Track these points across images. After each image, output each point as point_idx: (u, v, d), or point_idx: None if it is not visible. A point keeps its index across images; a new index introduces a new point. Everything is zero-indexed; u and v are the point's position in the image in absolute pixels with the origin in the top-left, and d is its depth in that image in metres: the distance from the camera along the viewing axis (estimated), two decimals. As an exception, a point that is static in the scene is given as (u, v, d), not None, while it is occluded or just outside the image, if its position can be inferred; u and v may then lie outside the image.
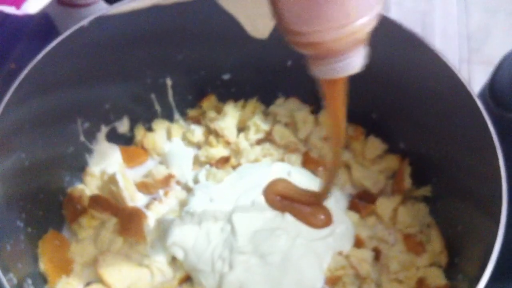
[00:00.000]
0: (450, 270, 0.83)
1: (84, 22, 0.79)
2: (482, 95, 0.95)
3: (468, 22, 1.41)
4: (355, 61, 0.53)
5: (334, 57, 0.52)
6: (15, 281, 0.72)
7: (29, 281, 0.79)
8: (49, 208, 0.89)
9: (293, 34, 0.51)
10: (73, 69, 0.82)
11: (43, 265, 0.84)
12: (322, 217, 0.84)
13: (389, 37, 0.81)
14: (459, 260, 0.81)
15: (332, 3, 0.47)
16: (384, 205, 0.89)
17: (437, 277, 0.82)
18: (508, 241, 0.72)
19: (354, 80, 0.89)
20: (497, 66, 0.94)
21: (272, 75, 0.97)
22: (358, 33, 0.50)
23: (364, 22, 0.49)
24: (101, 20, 0.80)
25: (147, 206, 0.92)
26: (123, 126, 0.98)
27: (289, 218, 0.84)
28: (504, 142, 0.72)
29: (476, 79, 1.31)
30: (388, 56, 0.84)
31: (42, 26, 1.12)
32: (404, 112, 0.89)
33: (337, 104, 0.62)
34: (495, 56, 0.94)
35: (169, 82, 0.96)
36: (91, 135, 0.94)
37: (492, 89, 0.92)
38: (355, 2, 0.48)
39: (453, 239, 0.84)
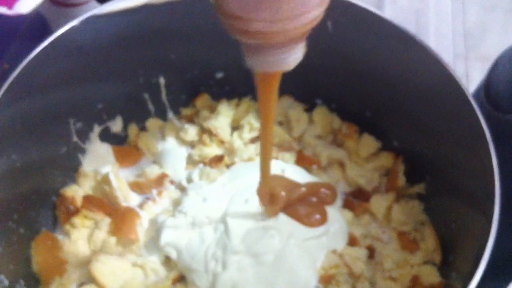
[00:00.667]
0: (444, 268, 0.82)
1: (75, 22, 0.78)
2: (477, 95, 0.94)
3: (464, 19, 1.41)
4: (291, 58, 0.52)
5: (271, 50, 0.51)
6: (6, 282, 0.72)
7: (22, 282, 0.79)
8: (42, 208, 0.88)
9: (231, 18, 0.48)
10: (65, 69, 0.82)
11: (36, 266, 0.84)
12: (318, 216, 0.84)
13: (382, 35, 0.81)
14: (453, 258, 0.81)
15: None
16: (378, 203, 0.88)
17: (431, 274, 0.81)
18: (501, 240, 0.72)
19: (348, 78, 0.90)
20: (491, 68, 0.94)
21: (266, 73, 0.96)
22: (296, 30, 0.48)
23: (306, 18, 0.48)
24: (92, 20, 0.79)
25: (141, 206, 0.91)
26: (116, 125, 0.97)
27: (282, 217, 0.84)
28: (500, 143, 0.71)
29: (474, 75, 1.31)
30: (382, 54, 0.84)
31: (36, 26, 1.11)
32: (398, 110, 0.89)
33: (269, 97, 0.61)
34: (493, 52, 0.94)
35: (162, 81, 0.96)
36: (84, 135, 0.93)
37: (487, 91, 0.92)
38: None
39: (447, 237, 0.83)
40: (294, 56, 0.53)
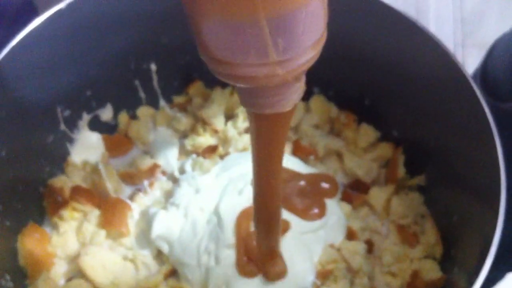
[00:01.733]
0: (446, 263, 0.80)
1: (62, 5, 0.76)
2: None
3: (462, 6, 1.39)
4: (287, 99, 0.48)
5: (264, 92, 0.47)
6: (-10, 277, 0.69)
7: (8, 277, 0.76)
8: (29, 200, 0.86)
9: (216, 63, 0.44)
10: (51, 54, 0.79)
11: (23, 260, 0.81)
12: (316, 210, 0.81)
13: (381, 20, 0.78)
14: (455, 252, 0.79)
15: (258, 37, 0.40)
16: (377, 195, 0.86)
17: (432, 269, 0.79)
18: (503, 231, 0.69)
19: (346, 65, 0.88)
20: (487, 55, 0.92)
21: (261, 60, 0.93)
22: (287, 74, 0.44)
23: (297, 62, 0.43)
24: (80, 3, 0.76)
25: (131, 197, 0.89)
26: (106, 113, 0.94)
27: (279, 209, 0.81)
28: (498, 132, 0.69)
29: (470, 63, 1.29)
30: (380, 40, 0.82)
31: (23, 10, 1.09)
32: (397, 97, 0.86)
33: (268, 145, 0.56)
34: (489, 39, 0.92)
35: (153, 67, 0.93)
36: (72, 124, 0.90)
37: (484, 79, 0.90)
38: (286, 40, 0.41)
39: (448, 231, 0.81)
40: (291, 97, 0.48)
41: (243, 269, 0.76)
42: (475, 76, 0.95)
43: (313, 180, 0.85)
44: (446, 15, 1.36)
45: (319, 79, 0.93)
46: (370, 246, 0.83)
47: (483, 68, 0.93)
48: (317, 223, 0.81)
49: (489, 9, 1.40)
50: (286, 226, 0.79)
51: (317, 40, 0.43)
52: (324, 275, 0.78)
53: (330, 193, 0.86)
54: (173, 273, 0.82)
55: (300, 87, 0.48)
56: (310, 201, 0.82)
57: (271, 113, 0.50)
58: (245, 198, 0.81)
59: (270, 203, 0.66)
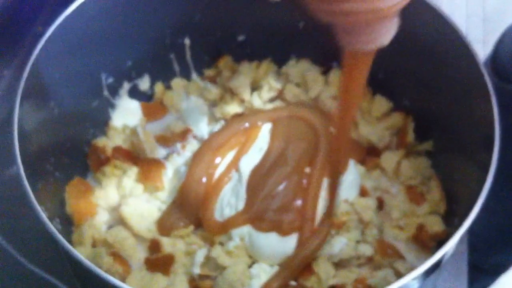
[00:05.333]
0: (448, 218, 0.87)
1: (105, -17, 0.84)
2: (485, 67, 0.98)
3: (484, 4, 1.41)
4: (384, 34, 0.52)
5: (363, 28, 0.51)
6: (45, 216, 0.78)
7: (58, 220, 0.84)
8: (75, 156, 0.95)
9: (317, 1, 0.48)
10: (98, 27, 0.87)
11: (69, 208, 0.89)
12: (339, 168, 0.88)
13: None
14: (456, 207, 0.86)
15: None
16: (388, 159, 0.93)
17: (435, 224, 0.86)
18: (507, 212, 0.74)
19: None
20: (498, 40, 0.97)
21: (285, 37, 1.01)
22: (386, 10, 0.47)
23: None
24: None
25: (166, 157, 0.97)
26: (144, 83, 1.03)
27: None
28: (506, 114, 0.75)
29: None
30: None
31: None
32: (409, 72, 0.93)
33: (357, 79, 0.61)
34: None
35: (187, 42, 1.01)
36: (114, 91, 0.99)
37: (494, 62, 0.96)
38: None
39: (451, 189, 0.88)
40: (388, 31, 0.52)
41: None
42: (487, 61, 1.01)
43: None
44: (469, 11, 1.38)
45: (338, 54, 1.01)
46: (380, 204, 0.90)
47: (493, 54, 0.99)
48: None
49: (511, 7, 1.41)
50: None
51: None
52: (338, 225, 0.86)
53: (356, 156, 0.93)
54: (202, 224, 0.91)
55: (396, 22, 0.52)
56: (337, 159, 0.88)
57: (366, 50, 0.54)
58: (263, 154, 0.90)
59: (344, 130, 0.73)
